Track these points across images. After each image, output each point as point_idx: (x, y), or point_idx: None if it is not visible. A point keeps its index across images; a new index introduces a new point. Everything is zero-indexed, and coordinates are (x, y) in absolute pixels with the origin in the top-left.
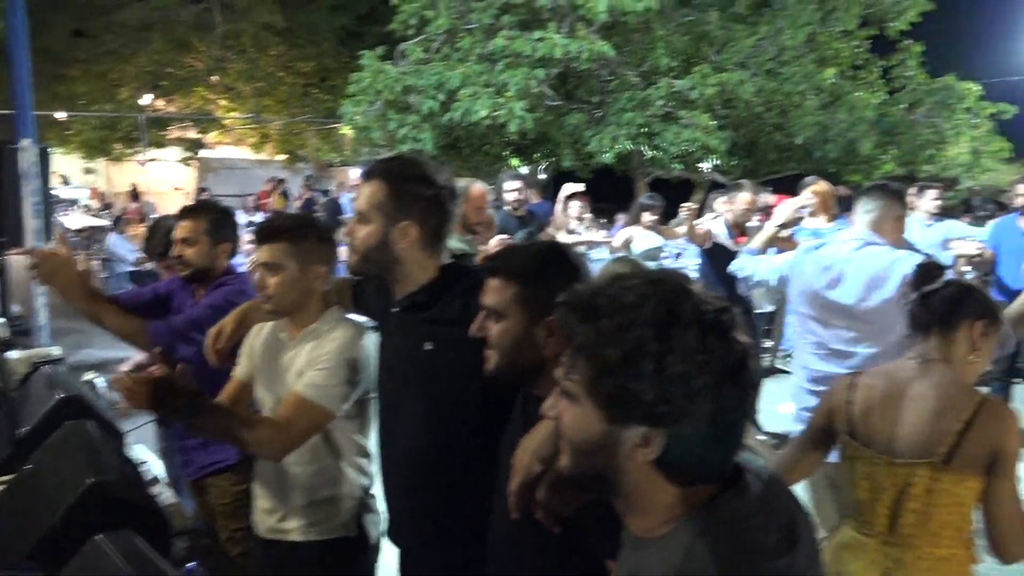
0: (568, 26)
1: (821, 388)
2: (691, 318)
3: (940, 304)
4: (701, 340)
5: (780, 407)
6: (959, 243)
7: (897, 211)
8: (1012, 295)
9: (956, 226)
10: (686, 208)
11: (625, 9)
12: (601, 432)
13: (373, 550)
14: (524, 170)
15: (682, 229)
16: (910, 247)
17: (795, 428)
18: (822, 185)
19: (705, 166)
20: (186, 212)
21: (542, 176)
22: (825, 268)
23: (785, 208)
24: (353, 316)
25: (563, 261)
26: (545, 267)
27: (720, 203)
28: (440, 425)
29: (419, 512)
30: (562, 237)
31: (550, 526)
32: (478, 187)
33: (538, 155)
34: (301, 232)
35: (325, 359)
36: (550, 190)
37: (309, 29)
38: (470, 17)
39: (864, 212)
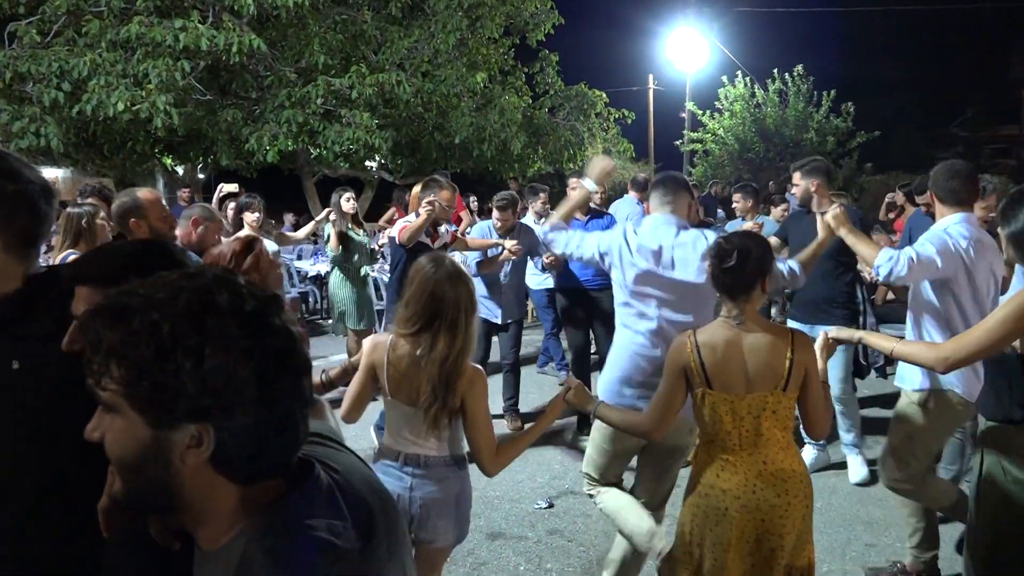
0: (214, 16)
1: None
2: (228, 307)
3: (739, 276)
4: (241, 328)
5: None
6: None
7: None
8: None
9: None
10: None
11: (276, 2)
12: (148, 440)
13: None
14: (180, 170)
15: (301, 233)
16: None
17: None
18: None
19: (372, 164)
20: None
21: (201, 176)
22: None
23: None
24: None
25: (159, 261)
26: (137, 269)
27: (344, 201)
28: (37, 457)
29: (21, 562)
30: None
31: (168, 544)
32: (148, 192)
33: (193, 153)
34: None
35: None
36: (212, 190)
37: None
38: None
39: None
